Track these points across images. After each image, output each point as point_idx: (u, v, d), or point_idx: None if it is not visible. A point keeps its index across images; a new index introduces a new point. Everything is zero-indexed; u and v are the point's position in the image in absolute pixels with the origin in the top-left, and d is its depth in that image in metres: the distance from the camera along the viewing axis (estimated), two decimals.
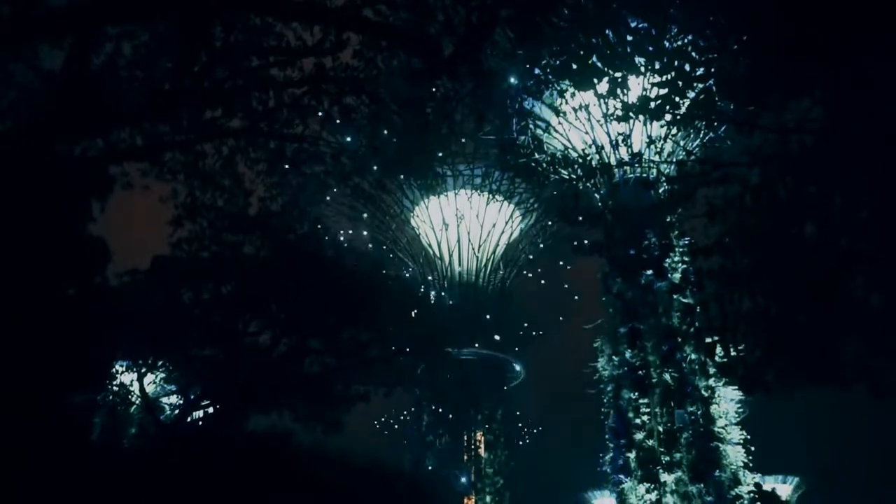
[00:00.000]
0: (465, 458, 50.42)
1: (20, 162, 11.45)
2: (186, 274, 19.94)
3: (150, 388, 23.45)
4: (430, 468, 48.09)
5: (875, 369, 8.22)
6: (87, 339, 12.84)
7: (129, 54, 13.82)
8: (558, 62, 11.50)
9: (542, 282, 60.84)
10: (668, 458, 27.51)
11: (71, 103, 12.09)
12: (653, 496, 27.21)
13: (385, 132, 16.89)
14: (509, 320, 56.20)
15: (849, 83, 7.91)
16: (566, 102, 30.79)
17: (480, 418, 51.52)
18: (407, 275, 53.03)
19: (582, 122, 32.28)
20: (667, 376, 28.75)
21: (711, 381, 28.40)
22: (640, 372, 29.31)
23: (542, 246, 56.18)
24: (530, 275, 59.96)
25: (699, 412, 27.97)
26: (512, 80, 26.24)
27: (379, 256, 50.38)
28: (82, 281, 13.25)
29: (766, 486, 39.79)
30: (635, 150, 31.21)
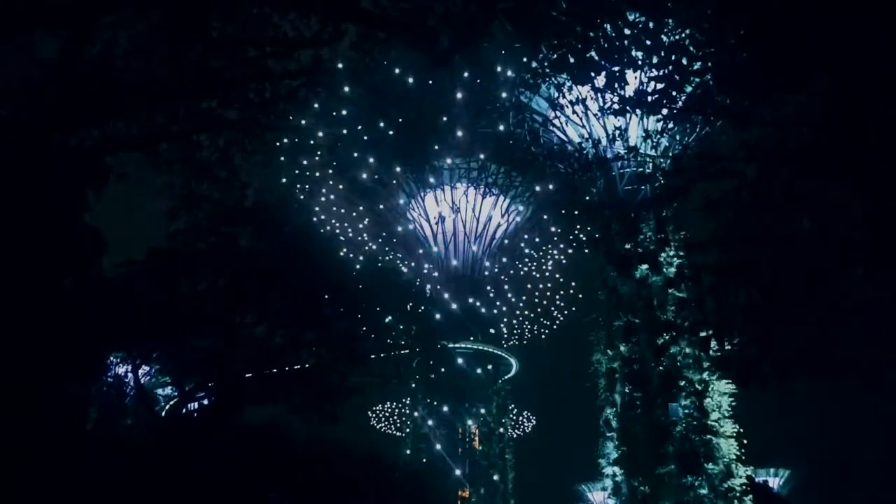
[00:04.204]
0: (460, 450, 50.57)
1: (15, 151, 11.38)
2: (182, 265, 19.89)
3: (144, 380, 23.39)
4: (424, 460, 48.23)
5: (868, 362, 8.28)
6: (83, 329, 12.82)
7: (125, 44, 13.73)
8: (556, 55, 11.47)
9: (538, 275, 60.91)
10: (661, 451, 27.67)
11: (66, 93, 12.02)
12: (646, 488, 27.39)
13: (382, 124, 16.87)
14: (504, 313, 56.32)
15: (847, 77, 7.93)
16: (563, 96, 30.77)
17: (475, 411, 51.66)
18: (402, 268, 53.01)
19: (579, 115, 32.26)
20: (661, 370, 28.89)
21: (705, 375, 28.55)
22: (635, 365, 29.44)
23: (538, 239, 56.23)
24: (525, 268, 60.05)
25: (693, 405, 28.13)
26: (509, 72, 26.18)
27: (374, 249, 50.38)
28: (78, 272, 13.21)
29: (759, 479, 40.08)
30: (632, 144, 31.21)
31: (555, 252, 58.35)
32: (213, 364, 20.97)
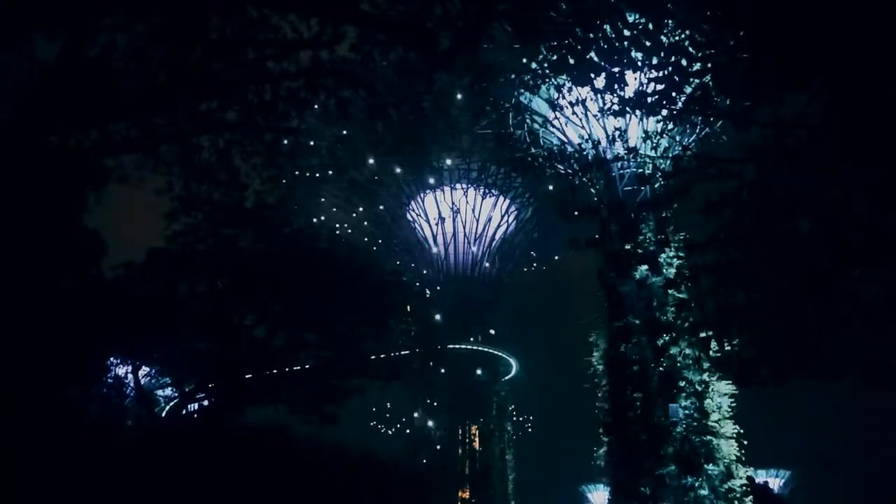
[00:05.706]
0: (460, 451, 50.54)
1: (15, 152, 11.38)
2: (182, 267, 19.90)
3: (144, 381, 23.37)
4: (424, 461, 48.20)
5: (867, 359, 8.28)
6: (83, 331, 12.81)
7: (124, 46, 13.73)
8: (555, 57, 11.48)
9: (538, 276, 60.95)
10: (661, 452, 27.63)
11: (66, 94, 12.02)
12: (646, 489, 27.35)
13: (382, 126, 16.86)
14: (504, 314, 56.33)
15: (847, 78, 7.93)
16: (563, 97, 30.75)
17: (474, 412, 51.65)
18: (402, 269, 53.03)
19: (578, 116, 32.25)
20: (661, 371, 28.84)
21: (705, 376, 28.49)
22: (635, 367, 29.38)
23: (537, 238, 56.23)
24: (525, 269, 60.07)
25: (693, 406, 28.09)
26: (509, 74, 26.21)
27: (374, 250, 50.41)
28: (78, 273, 13.21)
29: (759, 480, 40.02)
30: (631, 145, 31.19)
31: (554, 253, 58.37)
32: (213, 365, 20.97)
